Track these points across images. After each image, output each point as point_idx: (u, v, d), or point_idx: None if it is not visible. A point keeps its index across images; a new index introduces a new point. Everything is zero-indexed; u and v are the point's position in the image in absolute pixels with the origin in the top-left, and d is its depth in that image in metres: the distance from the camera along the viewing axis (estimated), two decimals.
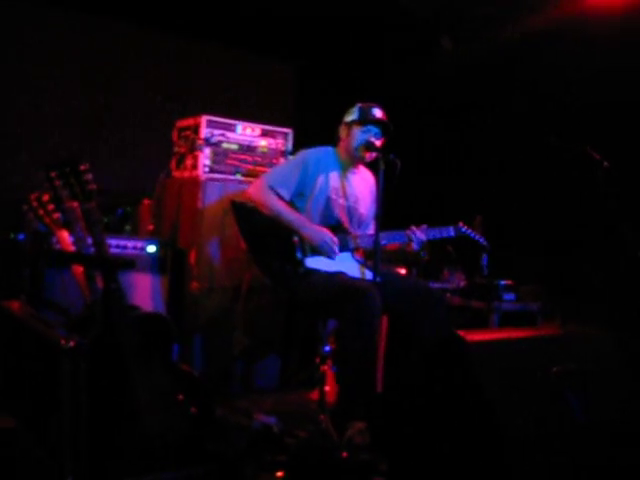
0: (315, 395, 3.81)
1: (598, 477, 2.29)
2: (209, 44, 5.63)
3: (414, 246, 3.60)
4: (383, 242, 3.51)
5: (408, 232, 3.60)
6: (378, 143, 3.57)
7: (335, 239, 3.50)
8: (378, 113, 3.63)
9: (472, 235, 3.80)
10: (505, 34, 5.05)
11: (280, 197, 3.54)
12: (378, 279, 3.24)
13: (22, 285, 3.67)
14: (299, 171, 3.59)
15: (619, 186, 3.40)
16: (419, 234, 3.60)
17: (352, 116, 3.65)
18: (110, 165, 5.11)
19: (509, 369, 2.28)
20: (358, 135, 3.61)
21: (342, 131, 3.70)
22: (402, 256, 4.29)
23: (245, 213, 3.65)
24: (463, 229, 3.76)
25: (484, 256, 4.26)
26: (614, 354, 2.71)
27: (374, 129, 3.60)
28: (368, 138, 3.57)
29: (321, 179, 3.61)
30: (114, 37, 5.24)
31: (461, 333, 2.27)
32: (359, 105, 3.66)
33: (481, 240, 3.83)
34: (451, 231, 3.74)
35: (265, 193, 3.54)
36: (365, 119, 3.60)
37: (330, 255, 3.49)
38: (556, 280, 4.65)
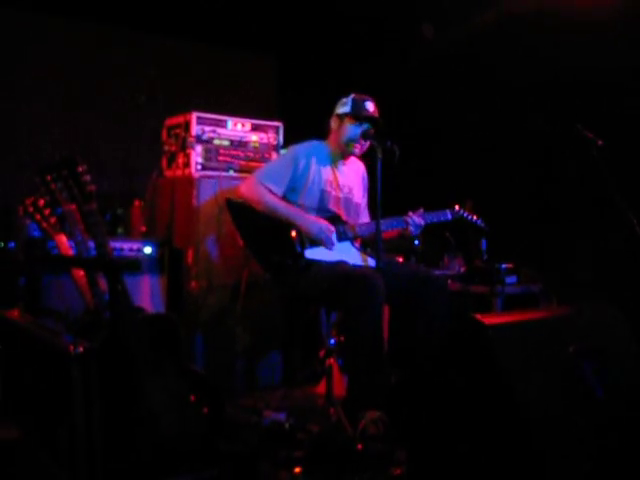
0: (321, 389, 3.79)
1: (620, 452, 2.28)
2: (190, 41, 5.57)
3: (412, 230, 3.58)
4: (382, 229, 3.47)
5: (406, 218, 3.59)
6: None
7: (332, 227, 3.49)
8: (371, 107, 3.59)
9: (469, 218, 3.79)
10: (486, 18, 5.03)
11: (272, 193, 3.52)
12: (381, 264, 3.22)
13: (17, 293, 3.60)
14: (291, 167, 3.57)
15: (614, 164, 3.38)
16: (417, 219, 3.59)
17: (344, 108, 3.60)
18: (97, 168, 5.02)
19: (529, 351, 2.25)
20: (350, 129, 3.58)
21: (333, 123, 3.66)
22: (398, 245, 4.27)
23: (240, 210, 3.62)
24: (460, 212, 3.76)
25: (483, 240, 4.24)
26: (624, 329, 2.70)
27: (366, 124, 3.56)
28: (361, 131, 3.53)
29: (313, 173, 3.59)
30: (97, 39, 5.18)
31: (478, 317, 2.23)
32: (352, 97, 3.60)
33: (478, 222, 3.83)
34: (448, 214, 3.74)
35: (257, 190, 3.52)
36: (358, 114, 3.55)
37: (328, 244, 3.46)
38: (552, 261, 4.64)
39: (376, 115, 3.58)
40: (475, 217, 3.82)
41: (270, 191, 3.52)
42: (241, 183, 3.64)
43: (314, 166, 3.60)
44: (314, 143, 3.70)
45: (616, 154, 3.41)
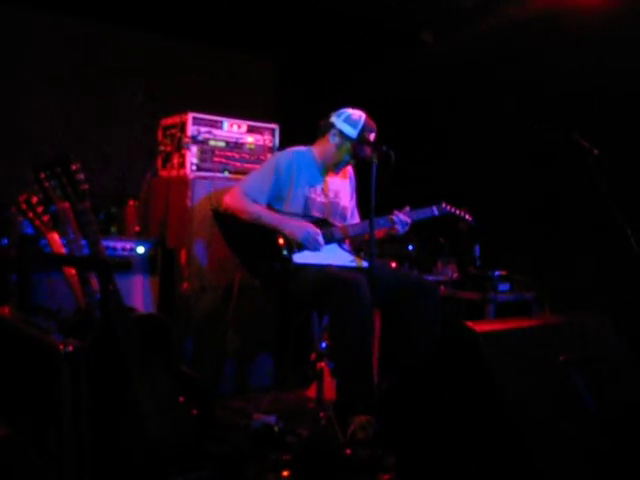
0: (311, 392, 3.79)
1: (611, 461, 2.28)
2: (187, 42, 5.56)
3: (398, 228, 3.56)
4: (368, 230, 3.45)
5: (391, 216, 3.57)
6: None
7: (318, 230, 3.49)
8: (372, 138, 3.57)
9: (456, 212, 3.77)
10: (485, 25, 5.04)
11: (257, 203, 3.54)
12: (373, 265, 3.20)
13: (8, 290, 3.59)
14: (272, 175, 3.59)
15: (609, 173, 3.38)
16: (403, 217, 3.57)
17: (352, 130, 3.55)
18: (92, 166, 5.00)
19: (519, 359, 2.26)
20: (350, 153, 3.60)
21: (332, 136, 3.62)
22: (392, 250, 4.26)
23: (227, 220, 3.63)
24: (447, 208, 3.74)
25: (476, 247, 4.24)
26: (615, 340, 2.70)
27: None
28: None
29: (296, 180, 3.60)
30: (93, 38, 5.15)
31: (470, 324, 2.24)
32: (364, 121, 3.56)
33: (466, 216, 3.80)
34: (435, 210, 3.71)
35: (241, 200, 3.54)
36: (363, 142, 3.52)
37: (315, 247, 3.46)
38: (545, 269, 4.65)
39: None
40: (462, 212, 3.80)
41: (254, 200, 3.54)
42: (225, 194, 3.64)
43: (298, 174, 3.61)
44: (297, 150, 3.70)
45: (616, 162, 3.42)
